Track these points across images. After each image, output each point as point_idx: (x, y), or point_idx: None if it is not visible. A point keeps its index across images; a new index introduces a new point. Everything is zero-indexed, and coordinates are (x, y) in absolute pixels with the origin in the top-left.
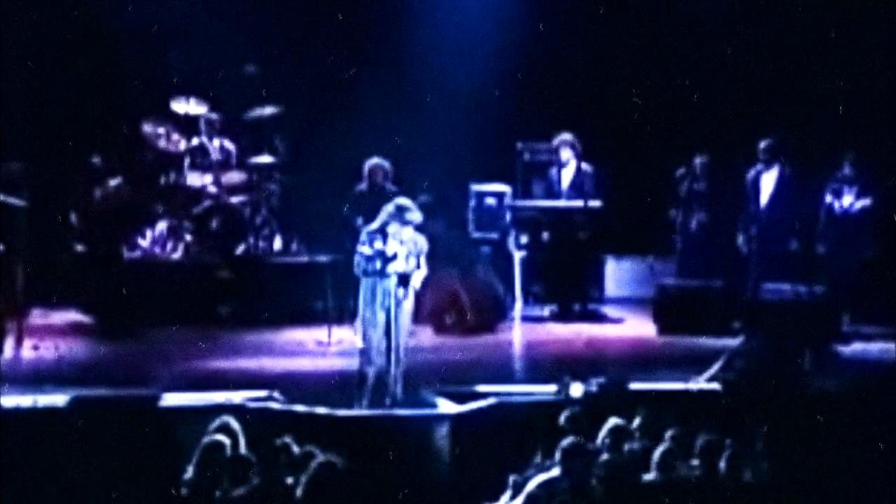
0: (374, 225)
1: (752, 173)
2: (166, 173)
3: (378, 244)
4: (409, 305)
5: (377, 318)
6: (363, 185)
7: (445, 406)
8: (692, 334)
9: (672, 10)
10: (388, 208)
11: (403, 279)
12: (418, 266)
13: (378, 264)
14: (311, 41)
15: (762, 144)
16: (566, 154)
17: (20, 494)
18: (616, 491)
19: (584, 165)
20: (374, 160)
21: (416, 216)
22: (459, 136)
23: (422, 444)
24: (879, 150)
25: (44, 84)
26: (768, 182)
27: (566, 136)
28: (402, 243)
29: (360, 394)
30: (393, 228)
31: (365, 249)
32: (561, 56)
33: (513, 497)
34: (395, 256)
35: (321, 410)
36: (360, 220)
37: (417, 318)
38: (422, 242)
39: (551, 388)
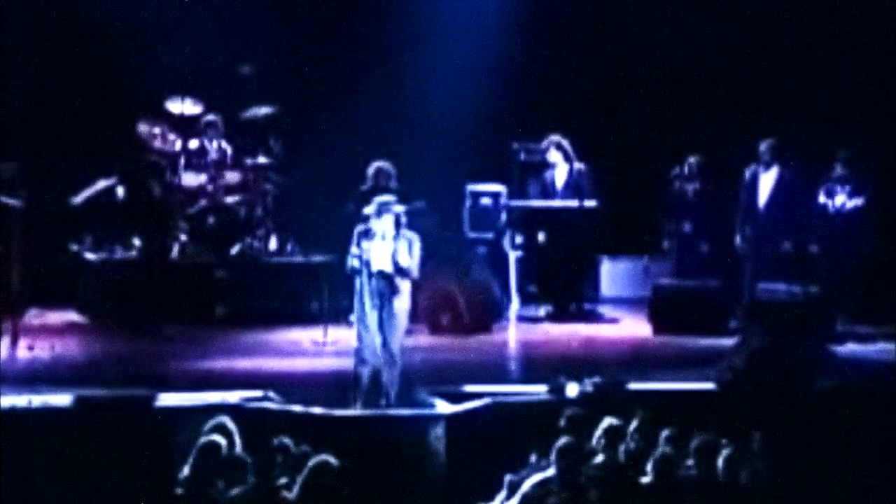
0: (361, 226)
1: (748, 173)
2: (162, 173)
3: (365, 244)
4: (404, 305)
5: (369, 318)
6: (367, 186)
7: (441, 406)
8: (688, 334)
9: (666, 11)
10: (370, 209)
11: (388, 277)
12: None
13: (365, 263)
14: (307, 41)
15: (763, 145)
16: (554, 156)
17: (16, 495)
18: (611, 491)
19: (579, 165)
20: (378, 163)
21: (394, 207)
22: (455, 136)
23: (417, 444)
24: (872, 149)
25: (40, 84)
26: (767, 182)
27: (553, 138)
28: (384, 239)
29: (355, 394)
30: (376, 226)
31: (353, 249)
32: (556, 56)
33: (508, 497)
34: (379, 255)
35: (317, 410)
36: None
37: (413, 318)
38: (411, 237)
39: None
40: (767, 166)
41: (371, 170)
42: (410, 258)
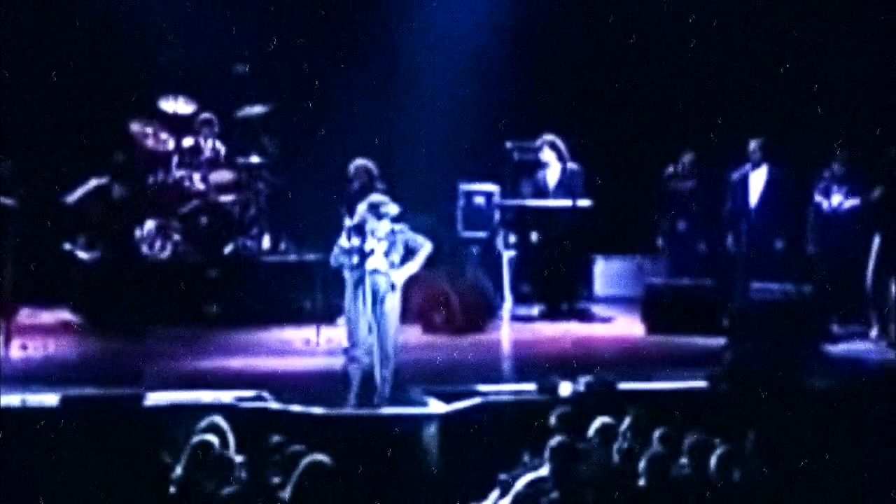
0: (352, 222)
1: (739, 172)
2: (154, 172)
3: (355, 240)
4: (397, 303)
5: (361, 317)
6: (356, 186)
7: (434, 405)
8: (681, 334)
9: (661, 10)
10: (362, 207)
11: (381, 276)
12: (403, 262)
13: (355, 259)
14: (301, 41)
15: (752, 144)
16: (548, 155)
17: (8, 494)
18: (604, 490)
19: (572, 165)
20: (358, 161)
21: (390, 209)
22: (448, 135)
23: (410, 443)
24: (869, 149)
25: (34, 83)
26: (757, 182)
27: (547, 137)
28: (379, 240)
29: (346, 393)
30: (370, 225)
31: (342, 242)
32: (550, 55)
33: (501, 496)
34: (371, 252)
35: (310, 410)
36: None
37: (406, 317)
38: (412, 239)
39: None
40: (757, 165)
41: (352, 169)
42: (405, 255)
